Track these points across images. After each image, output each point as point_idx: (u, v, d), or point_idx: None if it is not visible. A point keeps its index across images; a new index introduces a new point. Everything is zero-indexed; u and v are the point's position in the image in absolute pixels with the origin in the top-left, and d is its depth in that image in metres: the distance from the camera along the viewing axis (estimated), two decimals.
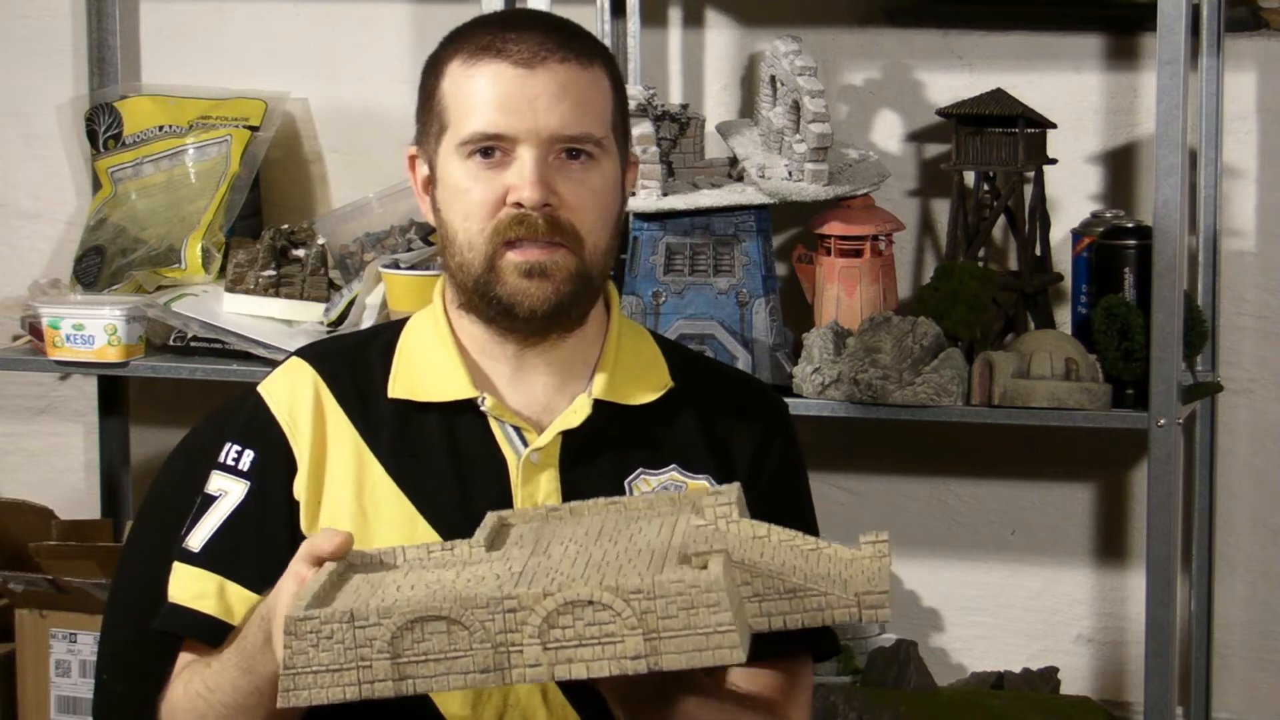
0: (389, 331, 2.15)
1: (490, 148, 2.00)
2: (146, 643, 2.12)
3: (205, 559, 2.05)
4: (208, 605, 2.04)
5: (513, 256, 2.00)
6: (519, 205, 1.99)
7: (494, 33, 2.02)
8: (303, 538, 1.99)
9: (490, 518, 1.92)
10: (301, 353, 2.14)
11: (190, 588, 2.05)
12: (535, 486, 2.04)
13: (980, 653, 3.33)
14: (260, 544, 2.04)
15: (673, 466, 2.09)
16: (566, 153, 2.01)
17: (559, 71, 2.00)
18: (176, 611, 2.05)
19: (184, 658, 2.05)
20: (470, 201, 2.01)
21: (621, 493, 2.05)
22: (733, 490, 1.86)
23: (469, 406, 2.06)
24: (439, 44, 2.09)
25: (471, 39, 2.04)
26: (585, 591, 1.66)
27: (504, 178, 2.00)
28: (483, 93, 2.00)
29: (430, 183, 2.08)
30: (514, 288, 2.01)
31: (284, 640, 1.70)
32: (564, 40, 2.02)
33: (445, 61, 2.05)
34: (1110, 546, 3.28)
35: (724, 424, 2.12)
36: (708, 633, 1.65)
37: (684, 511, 1.89)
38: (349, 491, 2.04)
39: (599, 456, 2.07)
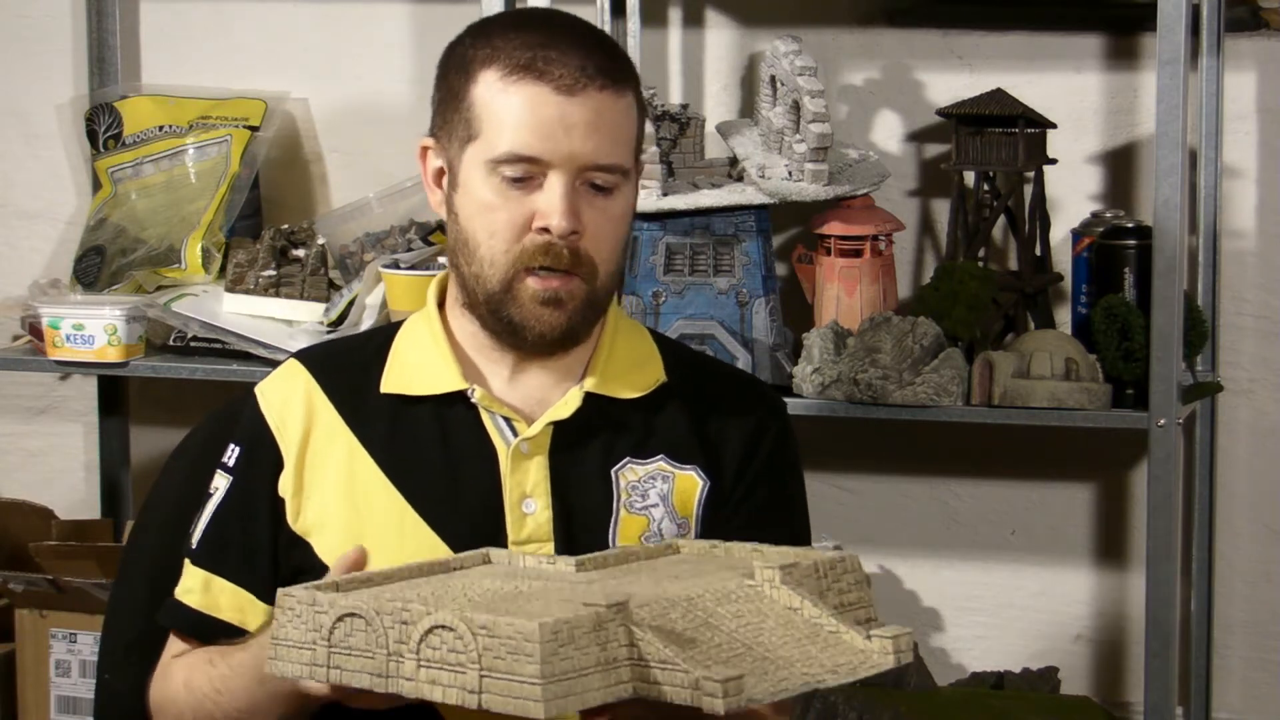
0: (386, 332, 2.19)
1: (522, 169, 2.01)
2: (148, 642, 2.15)
3: (197, 555, 2.11)
4: (193, 599, 2.09)
5: (532, 283, 2.03)
6: (545, 231, 2.01)
7: (534, 49, 2.01)
8: (287, 533, 2.07)
9: (663, 543, 2.02)
10: (298, 355, 2.19)
11: (182, 582, 2.11)
12: (524, 474, 2.07)
13: (980, 653, 3.33)
14: (243, 538, 2.09)
15: (660, 457, 2.11)
16: (593, 183, 2.02)
17: (597, 100, 2.01)
18: (169, 605, 2.11)
19: (173, 646, 2.10)
20: (496, 220, 2.03)
21: (607, 481, 2.09)
22: (809, 558, 1.88)
23: (459, 399, 2.09)
24: (467, 38, 2.08)
25: (509, 51, 2.02)
26: (449, 617, 1.70)
27: (532, 201, 2.02)
28: (519, 113, 2.01)
29: (443, 177, 2.09)
30: (530, 312, 2.04)
31: (275, 611, 1.82)
32: (603, 65, 2.02)
33: (479, 66, 2.03)
34: (1110, 546, 3.28)
35: (717, 419, 2.14)
36: (520, 681, 1.66)
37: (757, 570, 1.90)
38: (339, 487, 2.08)
39: (587, 445, 2.10)
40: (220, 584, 2.08)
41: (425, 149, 2.12)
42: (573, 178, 2.01)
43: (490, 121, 2.02)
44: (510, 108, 2.01)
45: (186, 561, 2.11)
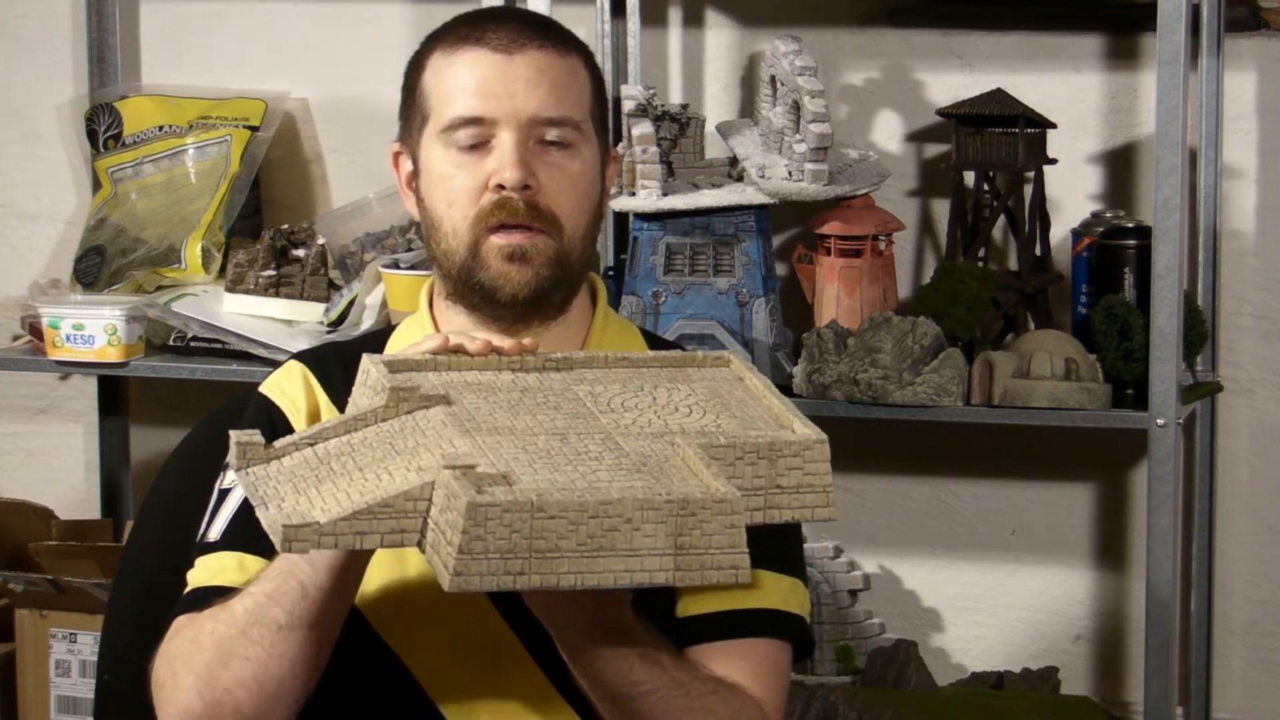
0: (383, 333, 2.22)
1: (471, 132, 2.04)
2: (148, 642, 2.13)
3: (225, 543, 2.05)
4: (227, 578, 2.03)
5: (496, 240, 2.04)
6: (500, 188, 2.03)
7: (473, 24, 2.09)
8: None
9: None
10: (296, 356, 2.20)
11: (210, 567, 2.04)
12: None
13: (980, 653, 3.33)
14: None
15: None
16: (545, 139, 2.05)
17: (536, 57, 2.05)
18: (195, 592, 2.03)
19: (182, 620, 2.01)
20: (454, 188, 2.05)
21: None
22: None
23: None
24: (420, 44, 2.14)
25: (451, 33, 2.10)
26: None
27: (485, 164, 2.04)
28: (462, 79, 2.05)
29: (414, 177, 2.12)
30: (497, 272, 2.05)
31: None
32: (541, 30, 2.08)
33: (426, 56, 2.10)
34: (1110, 546, 3.28)
35: None
36: None
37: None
38: None
39: None
40: (255, 561, 2.02)
41: (396, 154, 2.16)
42: (522, 134, 2.03)
43: (437, 96, 2.06)
44: (454, 77, 2.05)
45: (208, 555, 2.04)
